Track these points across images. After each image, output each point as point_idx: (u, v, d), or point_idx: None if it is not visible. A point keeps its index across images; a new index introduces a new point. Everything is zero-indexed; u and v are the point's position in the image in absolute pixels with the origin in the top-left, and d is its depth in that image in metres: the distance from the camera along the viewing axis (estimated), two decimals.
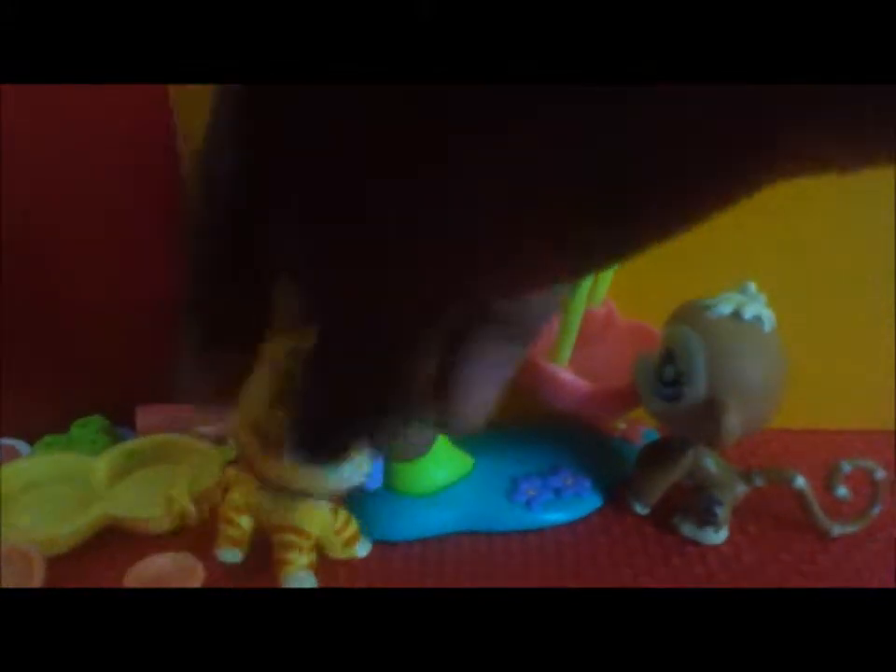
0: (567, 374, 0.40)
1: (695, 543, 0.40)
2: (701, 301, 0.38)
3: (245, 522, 0.37)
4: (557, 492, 0.41)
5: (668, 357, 0.37)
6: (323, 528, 0.36)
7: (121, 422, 0.48)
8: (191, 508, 0.39)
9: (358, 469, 0.34)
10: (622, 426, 0.47)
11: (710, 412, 0.36)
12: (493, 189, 0.14)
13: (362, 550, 0.38)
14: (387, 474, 0.39)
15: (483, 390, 0.22)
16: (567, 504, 0.40)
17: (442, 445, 0.40)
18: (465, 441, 0.42)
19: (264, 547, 0.37)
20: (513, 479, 0.41)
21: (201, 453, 0.44)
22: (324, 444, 0.22)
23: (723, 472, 0.40)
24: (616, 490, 0.43)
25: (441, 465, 0.40)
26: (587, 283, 0.39)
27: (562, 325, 0.40)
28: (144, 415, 0.47)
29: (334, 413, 0.19)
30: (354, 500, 0.40)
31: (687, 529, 0.41)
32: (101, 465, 0.43)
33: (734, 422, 0.35)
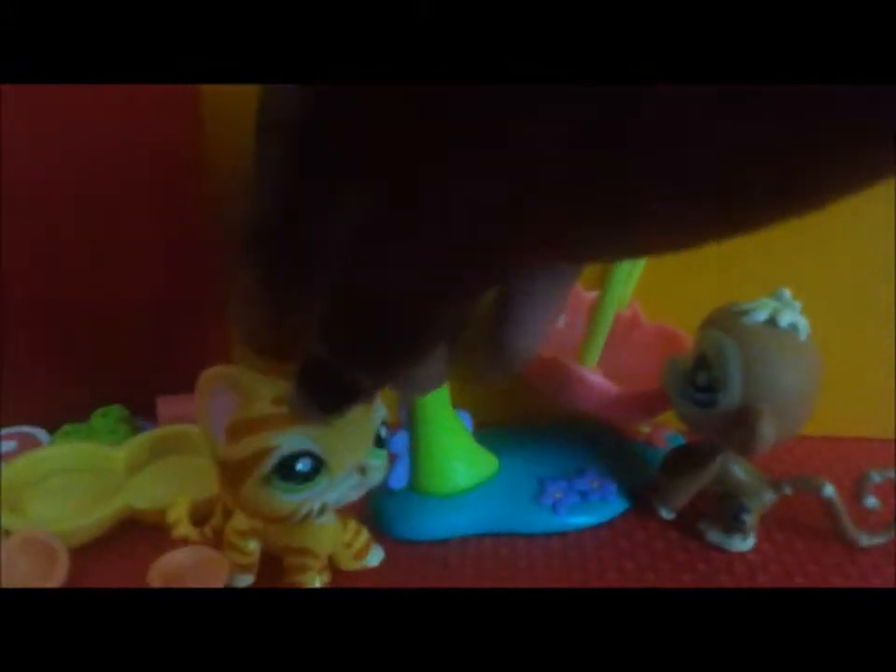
0: (595, 376, 0.39)
1: (721, 550, 0.40)
2: (736, 305, 0.37)
3: (252, 545, 0.35)
4: (583, 495, 0.40)
5: (702, 362, 0.37)
6: (332, 545, 0.36)
7: (142, 412, 0.47)
8: (194, 533, 0.38)
9: (328, 491, 0.32)
10: (646, 429, 0.46)
11: (744, 419, 0.35)
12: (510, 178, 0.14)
13: (374, 559, 0.37)
14: (413, 474, 0.39)
15: (533, 324, 0.22)
16: (592, 507, 0.40)
17: (468, 446, 0.40)
18: (491, 441, 0.42)
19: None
20: (540, 481, 0.41)
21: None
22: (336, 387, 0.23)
23: (752, 479, 0.40)
24: (640, 494, 0.42)
25: (467, 466, 0.40)
26: (618, 284, 0.38)
27: (590, 326, 0.40)
28: (165, 405, 0.47)
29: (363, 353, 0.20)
30: (378, 500, 0.40)
31: (714, 536, 0.40)
32: (121, 455, 0.43)
33: (768, 430, 0.35)
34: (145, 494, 0.41)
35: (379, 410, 0.33)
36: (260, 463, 0.30)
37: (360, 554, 0.37)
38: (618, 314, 0.45)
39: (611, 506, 0.41)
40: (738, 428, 0.36)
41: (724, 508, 0.40)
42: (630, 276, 0.44)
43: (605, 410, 0.40)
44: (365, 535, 0.37)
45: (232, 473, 0.30)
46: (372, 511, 0.39)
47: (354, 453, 0.31)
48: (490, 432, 0.43)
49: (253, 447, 0.30)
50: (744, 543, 0.40)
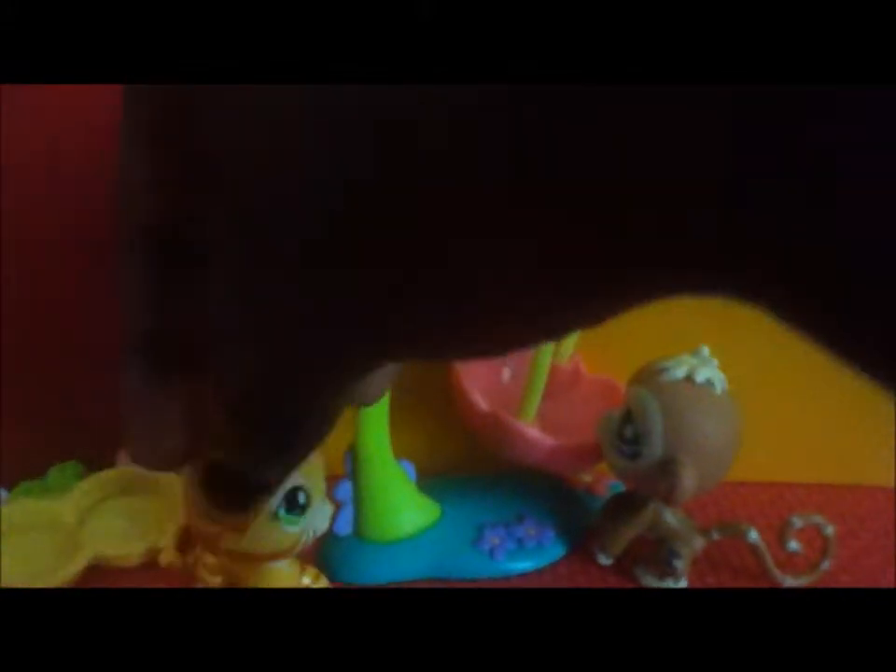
0: (532, 431, 0.42)
1: None
2: (657, 363, 0.40)
3: (216, 581, 0.37)
4: (520, 541, 0.42)
5: (628, 416, 0.39)
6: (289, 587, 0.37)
7: (102, 466, 0.49)
8: (179, 561, 0.40)
9: (315, 519, 0.34)
10: (588, 478, 0.48)
11: (666, 470, 0.38)
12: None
13: None
14: (357, 521, 0.41)
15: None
16: (529, 553, 0.42)
17: (410, 494, 0.42)
18: (434, 489, 0.44)
19: None
20: (479, 528, 0.42)
21: (172, 485, 0.45)
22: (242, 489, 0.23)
23: (682, 526, 0.42)
24: (582, 540, 0.44)
25: (410, 513, 0.42)
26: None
27: (528, 381, 0.42)
28: (125, 459, 0.48)
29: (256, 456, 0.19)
30: (325, 546, 0.41)
31: (647, 580, 0.42)
32: (67, 507, 0.44)
33: (689, 479, 0.37)
34: (104, 538, 0.43)
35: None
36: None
37: None
38: (560, 366, 0.48)
39: (548, 552, 0.42)
40: (662, 478, 0.38)
41: (657, 553, 0.42)
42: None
43: (541, 462, 0.42)
44: (323, 582, 0.39)
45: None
46: (321, 558, 0.41)
47: (320, 485, 0.35)
48: (433, 481, 0.45)
49: None
50: (676, 586, 0.42)
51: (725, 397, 0.39)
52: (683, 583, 0.42)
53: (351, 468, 0.40)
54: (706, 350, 0.40)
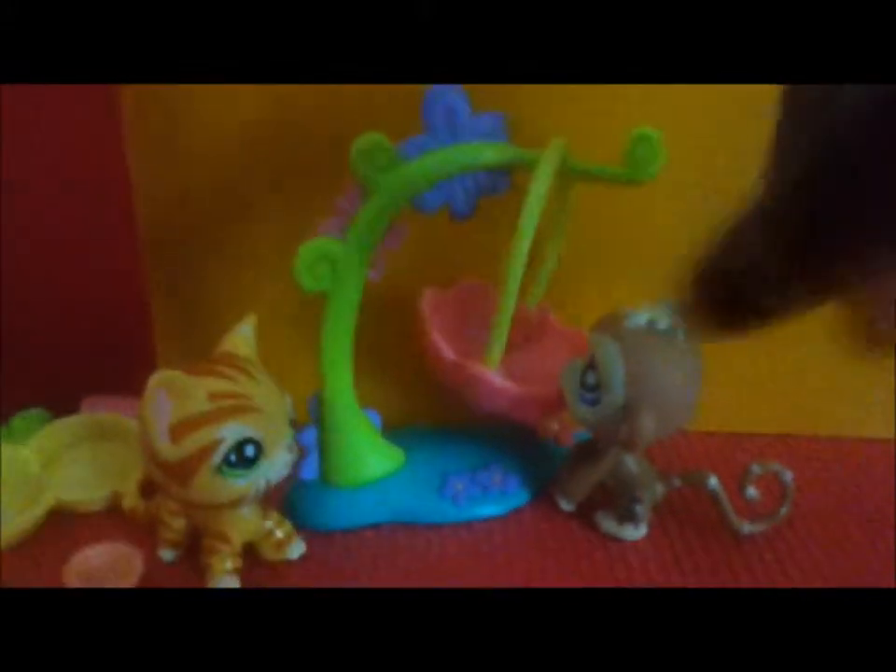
0: (496, 378, 0.42)
1: (617, 540, 0.42)
2: (621, 311, 0.40)
3: (179, 524, 0.38)
4: (484, 488, 0.43)
5: (591, 364, 0.40)
6: (251, 533, 0.38)
7: (66, 413, 0.48)
8: (141, 506, 0.40)
9: (269, 470, 0.35)
10: (555, 427, 0.49)
11: (626, 416, 0.38)
12: None
13: (295, 552, 0.39)
14: (323, 467, 0.41)
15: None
16: (492, 499, 0.43)
17: (375, 441, 0.42)
18: (400, 438, 0.44)
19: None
20: (443, 475, 0.43)
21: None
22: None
23: (644, 473, 0.43)
24: (546, 488, 0.45)
25: (374, 459, 0.42)
26: (513, 287, 0.40)
27: (493, 327, 0.42)
28: (90, 406, 0.48)
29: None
30: (292, 492, 0.42)
31: (607, 525, 0.43)
32: (30, 453, 0.44)
33: (647, 426, 0.38)
34: (68, 484, 0.43)
35: (287, 396, 0.36)
36: (210, 456, 0.33)
37: (281, 545, 0.39)
38: (529, 317, 0.48)
39: (512, 498, 0.43)
40: (622, 425, 0.38)
41: (618, 499, 0.43)
42: (540, 275, 0.46)
43: (506, 409, 0.43)
44: (287, 527, 0.39)
45: (181, 470, 0.33)
46: (287, 504, 0.41)
47: (281, 435, 0.35)
48: (400, 430, 0.45)
49: (199, 443, 0.32)
50: (636, 532, 0.42)
51: (687, 345, 0.39)
52: (643, 530, 0.43)
53: (316, 414, 0.40)
54: (671, 303, 0.40)
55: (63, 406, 0.48)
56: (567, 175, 0.41)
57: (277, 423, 0.35)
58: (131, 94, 0.44)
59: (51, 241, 0.46)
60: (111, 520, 0.42)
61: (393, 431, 0.44)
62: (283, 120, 0.45)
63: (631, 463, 0.42)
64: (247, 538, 0.38)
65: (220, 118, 0.45)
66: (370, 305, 0.41)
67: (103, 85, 0.43)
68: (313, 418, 0.40)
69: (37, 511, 0.41)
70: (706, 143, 0.44)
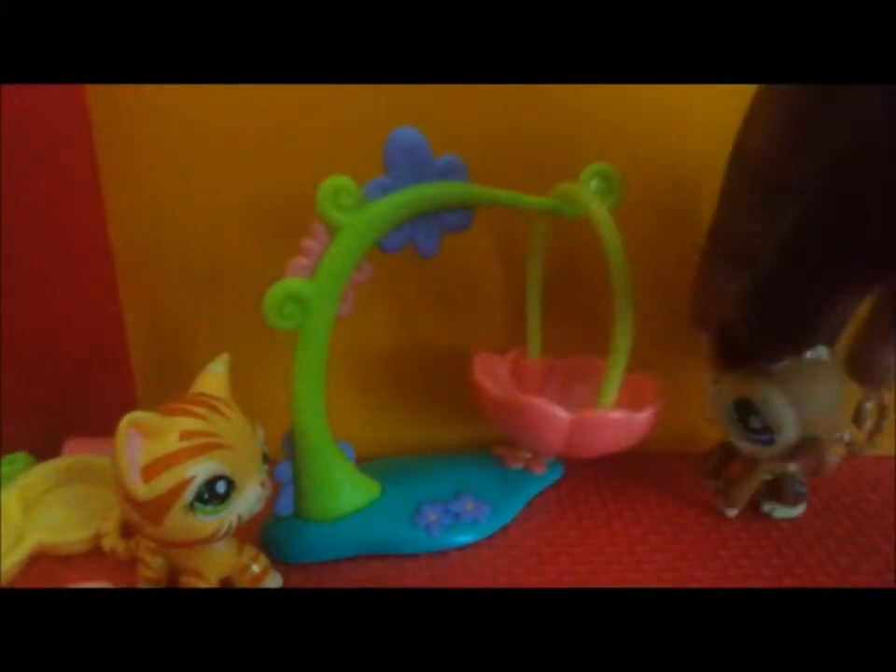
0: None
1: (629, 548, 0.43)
2: None
3: (158, 562, 0.39)
4: (457, 516, 0.43)
5: (749, 409, 0.40)
6: (227, 568, 0.39)
7: (50, 456, 0.49)
8: (121, 546, 0.41)
9: (241, 505, 0.36)
10: (526, 455, 0.50)
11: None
12: None
13: (271, 585, 0.40)
14: (298, 501, 0.42)
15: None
16: (465, 528, 0.43)
17: (350, 473, 0.43)
18: (373, 470, 0.45)
19: None
20: (417, 504, 0.44)
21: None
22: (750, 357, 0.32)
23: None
24: (517, 515, 0.46)
25: (349, 492, 0.43)
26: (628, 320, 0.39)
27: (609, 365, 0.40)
28: (72, 448, 0.49)
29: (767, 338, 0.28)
30: (267, 527, 0.43)
31: (782, 512, 0.45)
32: (11, 498, 0.45)
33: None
34: (50, 527, 0.44)
35: (259, 432, 0.38)
36: (181, 494, 0.33)
37: (257, 580, 0.40)
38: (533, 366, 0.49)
39: (485, 526, 0.44)
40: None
41: (782, 488, 0.45)
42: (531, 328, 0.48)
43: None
44: (263, 561, 0.40)
45: (154, 509, 0.33)
46: (263, 538, 0.42)
47: (253, 470, 0.36)
48: (373, 462, 0.46)
49: (171, 481, 0.33)
50: (802, 508, 0.45)
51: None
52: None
53: (290, 449, 0.41)
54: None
55: (46, 449, 0.49)
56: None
57: (249, 459, 0.36)
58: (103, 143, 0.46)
59: (28, 285, 0.47)
60: (92, 560, 0.42)
61: (365, 463, 0.45)
62: (258, 161, 0.47)
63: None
64: (223, 573, 0.39)
65: (195, 163, 0.47)
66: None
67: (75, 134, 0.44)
68: (287, 453, 0.41)
69: (19, 555, 0.41)
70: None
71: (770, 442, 0.40)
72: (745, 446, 0.42)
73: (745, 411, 0.40)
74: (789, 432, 0.39)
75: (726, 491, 0.45)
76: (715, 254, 0.33)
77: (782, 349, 0.31)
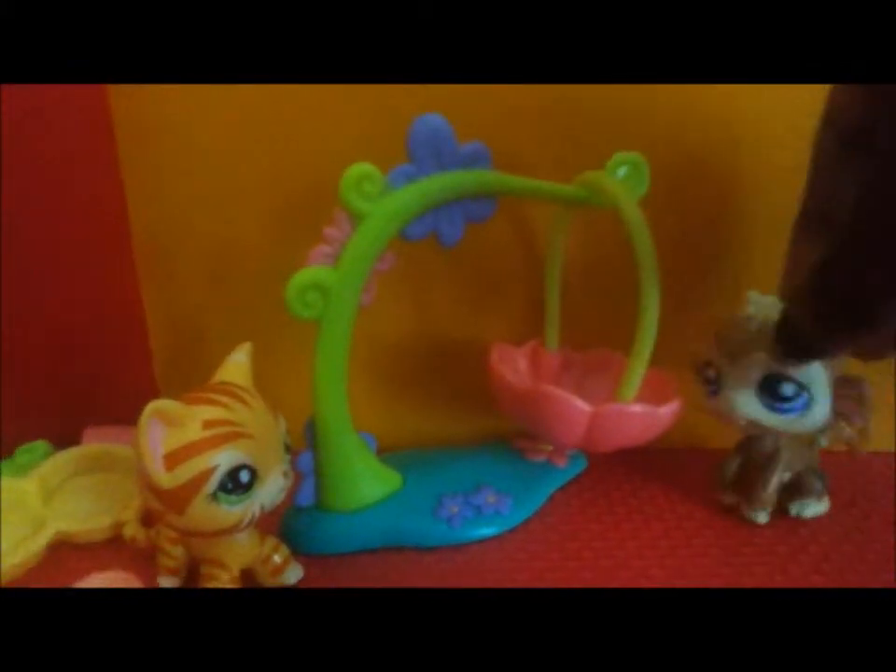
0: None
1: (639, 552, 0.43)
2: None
3: (179, 551, 0.39)
4: (478, 509, 0.43)
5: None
6: (248, 559, 0.38)
7: (68, 445, 0.49)
8: (142, 534, 0.41)
9: (263, 495, 0.35)
10: (548, 448, 0.49)
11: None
12: None
13: (292, 577, 0.40)
14: (320, 492, 0.41)
15: None
16: (486, 520, 0.43)
17: (371, 465, 0.43)
18: (396, 461, 0.45)
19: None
20: (438, 497, 0.43)
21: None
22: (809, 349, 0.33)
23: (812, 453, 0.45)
24: (539, 508, 0.45)
25: (371, 483, 0.42)
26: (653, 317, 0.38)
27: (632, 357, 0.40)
28: (91, 437, 0.49)
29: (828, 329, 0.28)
30: (288, 518, 0.42)
31: (811, 510, 0.45)
32: (32, 486, 0.45)
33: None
34: (70, 515, 0.44)
35: (282, 421, 0.37)
36: (205, 483, 0.33)
37: (278, 571, 0.39)
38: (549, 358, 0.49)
39: (506, 519, 0.44)
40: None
41: (806, 485, 0.45)
42: (550, 318, 0.48)
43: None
44: (284, 552, 0.40)
45: (177, 498, 0.33)
46: (284, 529, 0.42)
47: (276, 460, 0.36)
48: (396, 454, 0.46)
49: (194, 470, 0.33)
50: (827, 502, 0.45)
51: None
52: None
53: (311, 440, 0.41)
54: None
55: (65, 438, 0.49)
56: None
57: (272, 448, 0.36)
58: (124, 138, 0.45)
59: (49, 276, 0.47)
60: (112, 549, 0.42)
61: (388, 454, 0.45)
62: (276, 151, 0.46)
63: (805, 448, 0.44)
64: (245, 563, 0.38)
65: (214, 154, 0.47)
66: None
67: (94, 119, 0.44)
68: (308, 443, 0.41)
69: (38, 544, 0.41)
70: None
71: (806, 406, 0.39)
72: (775, 423, 0.40)
73: (774, 382, 0.39)
74: (824, 387, 0.39)
75: (750, 495, 0.44)
76: (799, 216, 0.32)
77: (842, 330, 0.29)
